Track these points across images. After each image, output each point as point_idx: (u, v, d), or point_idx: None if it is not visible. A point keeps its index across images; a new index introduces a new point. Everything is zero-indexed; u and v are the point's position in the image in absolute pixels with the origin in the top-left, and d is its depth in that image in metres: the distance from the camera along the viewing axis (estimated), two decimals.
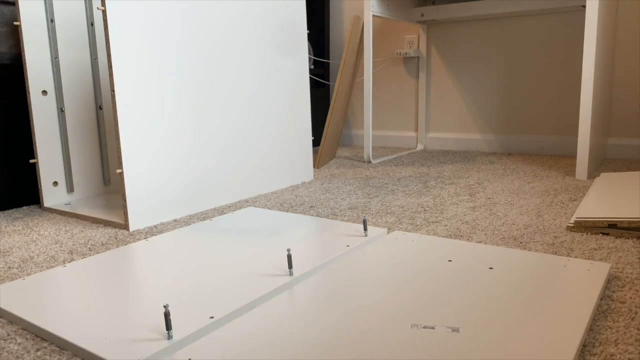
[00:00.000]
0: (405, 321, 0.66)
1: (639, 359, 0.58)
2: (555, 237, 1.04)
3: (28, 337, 0.69)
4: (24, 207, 1.48)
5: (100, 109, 1.54)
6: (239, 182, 1.46)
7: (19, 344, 0.67)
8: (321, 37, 2.62)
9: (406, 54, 2.42)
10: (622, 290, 0.77)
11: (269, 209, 1.33)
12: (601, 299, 0.74)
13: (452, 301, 0.71)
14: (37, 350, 0.65)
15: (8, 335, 0.69)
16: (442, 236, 1.06)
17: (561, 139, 2.13)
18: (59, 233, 1.19)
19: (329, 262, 0.89)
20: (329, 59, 2.66)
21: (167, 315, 0.62)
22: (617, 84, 2.00)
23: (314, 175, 1.80)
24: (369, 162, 2.07)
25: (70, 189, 1.49)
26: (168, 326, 0.62)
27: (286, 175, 1.63)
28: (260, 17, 1.47)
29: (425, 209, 1.30)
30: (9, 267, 0.96)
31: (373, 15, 1.98)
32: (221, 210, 1.34)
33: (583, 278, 0.78)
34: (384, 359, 0.58)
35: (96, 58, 1.52)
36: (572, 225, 1.08)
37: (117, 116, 1.15)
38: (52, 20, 1.42)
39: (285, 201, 1.42)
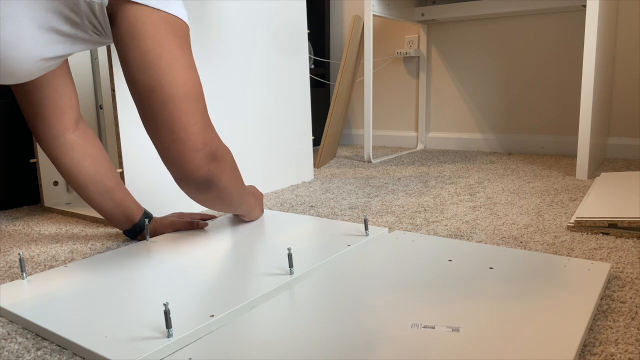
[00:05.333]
0: (406, 321, 0.66)
1: (639, 359, 0.58)
2: (555, 236, 1.04)
3: (28, 336, 0.69)
4: (25, 207, 1.48)
5: (101, 108, 1.55)
6: None
7: (20, 343, 0.67)
8: (321, 37, 2.62)
9: (406, 53, 2.42)
10: (622, 290, 0.77)
11: (269, 208, 1.33)
12: (601, 299, 0.74)
13: (452, 301, 0.71)
14: (38, 349, 0.65)
15: (8, 334, 0.69)
16: (443, 236, 1.07)
17: (561, 138, 2.13)
18: (59, 232, 1.19)
19: (330, 262, 0.89)
20: (329, 59, 2.67)
21: (167, 313, 0.62)
22: (617, 84, 2.00)
23: (314, 175, 1.80)
24: (369, 161, 2.07)
25: (70, 188, 1.49)
26: (168, 324, 0.62)
27: (286, 174, 1.63)
28: (260, 17, 1.47)
29: (426, 208, 1.30)
30: (10, 267, 0.96)
31: (373, 15, 1.98)
32: None
33: (583, 278, 0.78)
34: (384, 358, 0.58)
35: (96, 57, 1.52)
36: (573, 224, 1.08)
37: (117, 116, 1.15)
38: None
39: (285, 201, 1.42)
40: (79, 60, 1.48)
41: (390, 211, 1.28)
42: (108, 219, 1.06)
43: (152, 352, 0.60)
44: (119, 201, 1.03)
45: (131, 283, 0.82)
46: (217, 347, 0.62)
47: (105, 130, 1.56)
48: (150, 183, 1.22)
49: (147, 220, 1.06)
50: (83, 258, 0.98)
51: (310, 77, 1.72)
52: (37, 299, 0.77)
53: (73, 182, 1.00)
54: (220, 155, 0.84)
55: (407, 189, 1.54)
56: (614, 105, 2.01)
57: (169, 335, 0.62)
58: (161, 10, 0.76)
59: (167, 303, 0.63)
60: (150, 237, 1.07)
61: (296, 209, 1.32)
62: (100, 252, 1.02)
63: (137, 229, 1.06)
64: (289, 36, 1.59)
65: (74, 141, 0.97)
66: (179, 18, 0.78)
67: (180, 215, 1.14)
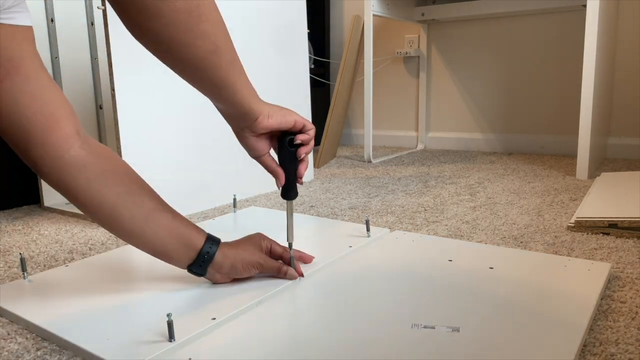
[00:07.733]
0: (406, 321, 0.66)
1: (639, 359, 0.58)
2: (555, 236, 1.04)
3: (28, 336, 0.69)
4: (24, 207, 1.48)
5: (101, 108, 1.55)
6: (239, 182, 1.45)
7: (19, 343, 0.67)
8: (321, 37, 2.62)
9: (406, 53, 2.42)
10: (622, 290, 0.77)
11: (269, 208, 1.33)
12: (601, 299, 0.74)
13: (452, 301, 0.71)
14: (38, 349, 0.65)
15: (8, 334, 0.69)
16: (443, 236, 1.06)
17: (561, 138, 2.13)
18: (59, 232, 1.19)
19: (332, 263, 0.88)
20: (329, 59, 2.66)
21: (170, 324, 0.61)
22: (617, 83, 2.00)
23: (314, 175, 1.80)
24: (370, 161, 2.07)
25: None
26: (171, 335, 0.62)
27: None
28: (260, 17, 1.47)
29: (426, 208, 1.30)
30: (9, 267, 0.96)
31: (373, 15, 1.98)
32: (222, 210, 1.34)
33: (583, 278, 0.77)
34: (384, 358, 0.58)
35: (96, 57, 1.52)
36: (573, 225, 1.08)
37: (117, 116, 1.15)
38: (52, 20, 1.41)
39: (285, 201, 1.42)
40: (79, 60, 1.48)
41: (391, 211, 1.28)
42: (160, 255, 0.76)
43: (153, 356, 0.59)
44: (168, 225, 0.74)
45: (132, 284, 0.82)
46: (217, 347, 0.62)
47: (105, 130, 1.56)
48: (150, 182, 1.22)
49: (212, 248, 0.76)
50: (83, 258, 0.98)
51: (310, 77, 1.72)
52: (38, 300, 0.77)
53: (99, 214, 0.73)
54: None
55: (407, 189, 1.54)
56: (614, 105, 2.01)
57: (171, 338, 0.62)
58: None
59: (170, 314, 0.62)
60: (218, 276, 0.78)
61: (296, 209, 1.32)
62: (100, 252, 1.01)
63: (205, 256, 0.75)
64: (289, 36, 1.59)
65: (84, 157, 0.71)
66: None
67: (266, 245, 0.82)
